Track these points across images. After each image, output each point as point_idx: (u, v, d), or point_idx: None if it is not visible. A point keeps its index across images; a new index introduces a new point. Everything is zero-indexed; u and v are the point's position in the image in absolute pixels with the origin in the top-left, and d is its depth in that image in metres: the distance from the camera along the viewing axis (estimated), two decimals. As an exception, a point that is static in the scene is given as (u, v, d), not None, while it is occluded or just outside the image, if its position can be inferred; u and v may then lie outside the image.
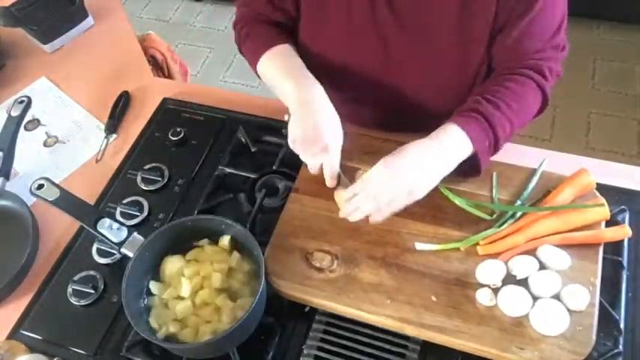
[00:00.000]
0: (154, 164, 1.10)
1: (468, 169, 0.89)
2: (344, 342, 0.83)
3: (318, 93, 0.90)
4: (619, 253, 0.88)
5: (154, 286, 0.87)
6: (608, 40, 2.53)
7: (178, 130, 1.14)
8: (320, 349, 0.83)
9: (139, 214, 1.03)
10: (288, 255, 0.88)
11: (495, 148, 0.88)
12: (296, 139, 0.90)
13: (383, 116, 1.06)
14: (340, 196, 0.89)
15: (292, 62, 0.95)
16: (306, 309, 0.88)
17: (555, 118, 2.28)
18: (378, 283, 0.84)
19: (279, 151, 1.07)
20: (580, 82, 2.39)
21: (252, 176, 1.05)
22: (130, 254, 0.87)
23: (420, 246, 0.87)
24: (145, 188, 1.07)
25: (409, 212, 0.89)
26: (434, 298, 0.82)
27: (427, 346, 0.82)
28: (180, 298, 0.86)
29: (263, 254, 0.84)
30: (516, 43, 0.89)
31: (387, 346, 0.82)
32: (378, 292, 0.83)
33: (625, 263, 0.87)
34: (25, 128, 1.23)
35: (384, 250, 0.87)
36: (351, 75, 1.00)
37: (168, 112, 1.20)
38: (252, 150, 1.10)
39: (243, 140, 1.11)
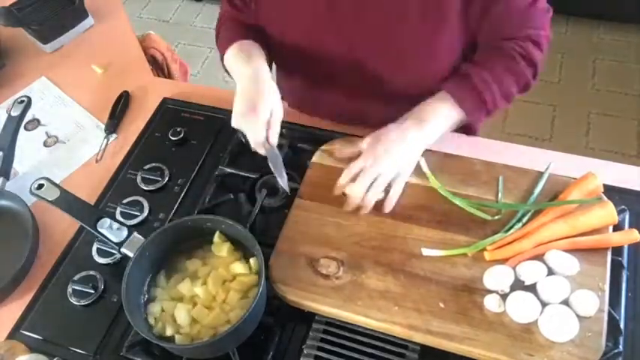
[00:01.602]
0: (153, 164, 1.10)
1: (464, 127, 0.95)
2: (344, 342, 0.83)
3: (256, 70, 0.93)
4: (619, 253, 0.87)
5: (155, 285, 0.87)
6: (608, 40, 2.53)
7: (178, 130, 1.14)
8: (320, 349, 0.83)
9: (139, 214, 1.02)
10: (294, 262, 0.87)
11: (484, 101, 0.92)
12: (237, 114, 0.92)
13: (361, 108, 1.08)
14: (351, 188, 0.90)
15: (247, 49, 0.98)
16: (307, 309, 0.88)
17: (555, 118, 2.28)
18: (385, 289, 0.83)
19: (280, 151, 1.07)
20: (580, 82, 2.39)
21: (252, 176, 1.05)
22: (130, 254, 0.87)
23: (426, 252, 0.86)
24: (145, 188, 1.07)
25: (415, 217, 0.89)
26: (441, 305, 0.81)
27: (427, 347, 0.81)
28: (180, 298, 0.86)
29: (263, 254, 0.84)
30: (497, 19, 0.91)
31: (388, 346, 0.82)
32: (385, 298, 0.82)
33: (625, 263, 0.87)
34: (25, 128, 1.23)
35: (391, 256, 0.87)
36: (321, 65, 1.03)
37: (168, 112, 1.20)
38: (252, 150, 1.10)
39: (243, 140, 1.11)
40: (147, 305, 0.87)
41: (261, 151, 0.93)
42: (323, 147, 1.02)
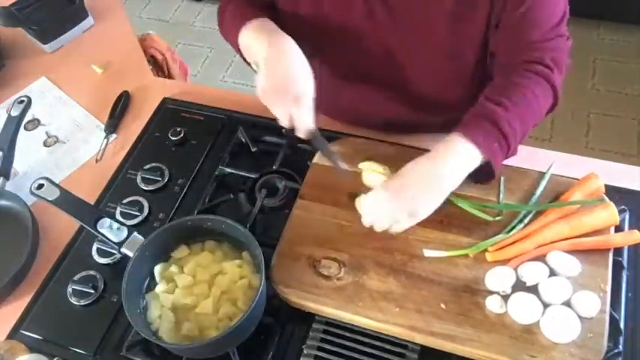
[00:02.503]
0: (154, 164, 1.10)
1: (483, 175, 0.86)
2: (344, 342, 0.83)
3: (288, 45, 0.86)
4: (619, 254, 0.87)
5: (154, 285, 0.87)
6: (608, 40, 2.53)
7: (178, 130, 1.14)
8: (320, 349, 0.83)
9: (139, 214, 1.02)
10: (295, 263, 0.87)
11: (508, 148, 0.84)
12: (266, 90, 0.86)
13: (381, 109, 1.06)
14: (359, 202, 0.87)
15: (269, 25, 0.90)
16: (308, 310, 0.88)
17: (555, 118, 2.28)
18: (387, 290, 0.83)
19: (279, 151, 1.07)
20: (580, 82, 2.38)
21: (252, 176, 1.05)
22: (130, 254, 0.87)
23: (428, 253, 0.86)
24: (145, 188, 1.07)
25: None
26: (443, 306, 0.81)
27: (427, 347, 0.81)
28: (181, 298, 0.86)
29: (263, 254, 0.84)
30: (516, 32, 0.87)
31: (388, 346, 0.82)
32: (387, 300, 0.82)
33: (625, 263, 0.87)
34: (25, 128, 1.23)
35: (392, 257, 0.86)
36: (353, 66, 1.01)
37: (168, 112, 1.20)
38: (252, 150, 1.10)
39: (243, 140, 1.11)
40: (147, 305, 0.87)
41: (307, 135, 0.89)
42: None
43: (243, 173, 1.06)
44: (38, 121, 1.25)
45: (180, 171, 1.09)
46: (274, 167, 1.06)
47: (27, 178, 0.97)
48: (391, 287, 0.83)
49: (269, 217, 1.01)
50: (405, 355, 0.81)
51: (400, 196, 0.82)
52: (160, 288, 0.87)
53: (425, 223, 0.88)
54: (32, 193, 0.91)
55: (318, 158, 1.00)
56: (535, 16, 0.86)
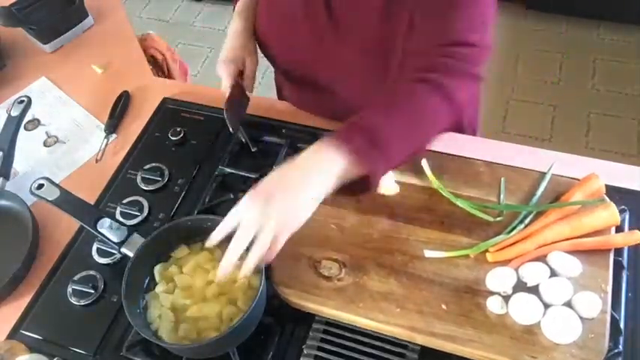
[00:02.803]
0: (153, 164, 1.10)
1: (360, 185, 0.77)
2: (344, 342, 0.83)
3: (237, 25, 1.07)
4: (619, 254, 0.87)
5: (154, 285, 0.87)
6: (608, 40, 2.53)
7: (178, 130, 1.14)
8: (320, 349, 0.83)
9: (139, 214, 1.02)
10: (296, 264, 0.87)
11: (380, 149, 0.75)
12: (219, 60, 1.04)
13: (319, 107, 1.12)
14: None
15: (243, 7, 1.08)
16: (308, 311, 0.88)
17: (555, 118, 2.28)
18: (388, 291, 0.83)
19: (279, 151, 1.07)
20: (580, 82, 2.39)
21: (252, 176, 1.05)
22: (130, 254, 0.87)
23: (428, 253, 0.86)
24: (145, 188, 1.07)
25: (416, 219, 0.89)
26: (444, 307, 0.81)
27: (427, 347, 0.81)
28: (180, 298, 0.86)
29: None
30: (418, 35, 0.84)
31: (388, 346, 0.82)
32: (388, 300, 0.82)
33: (625, 263, 0.87)
34: (25, 128, 1.23)
35: (393, 257, 0.86)
36: (288, 58, 1.08)
37: (168, 112, 1.20)
38: (252, 150, 1.10)
39: (243, 140, 1.11)
40: (147, 305, 0.87)
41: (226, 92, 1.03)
42: None
43: (243, 173, 1.06)
44: (38, 121, 1.25)
45: (180, 171, 1.09)
46: (274, 167, 1.06)
47: (27, 178, 0.97)
48: (392, 288, 0.83)
49: (269, 217, 1.00)
50: (405, 355, 0.81)
51: (263, 201, 0.73)
52: (159, 288, 0.87)
53: (425, 224, 0.89)
54: (32, 193, 0.91)
55: None
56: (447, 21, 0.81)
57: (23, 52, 1.40)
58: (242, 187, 1.05)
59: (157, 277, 0.88)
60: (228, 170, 1.07)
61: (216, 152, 1.11)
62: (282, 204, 0.73)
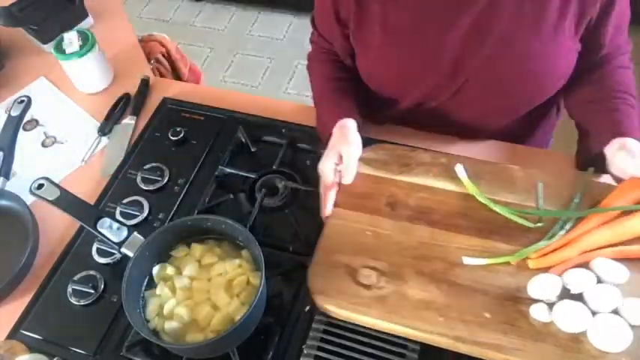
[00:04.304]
0: (153, 164, 1.10)
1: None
2: (344, 342, 0.83)
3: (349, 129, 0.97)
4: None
5: (154, 285, 0.87)
6: (608, 40, 2.53)
7: (178, 130, 1.14)
8: (320, 349, 0.83)
9: (138, 214, 1.02)
10: (333, 272, 0.85)
11: None
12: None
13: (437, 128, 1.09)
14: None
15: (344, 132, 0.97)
16: (306, 309, 0.88)
17: (555, 118, 2.28)
18: (429, 300, 0.80)
19: (279, 151, 1.07)
20: (580, 82, 2.38)
21: (252, 176, 1.05)
22: (130, 254, 0.87)
23: (467, 260, 0.83)
24: (145, 188, 1.07)
25: (454, 225, 0.87)
26: (487, 315, 0.78)
27: (427, 347, 0.81)
28: (180, 297, 0.86)
29: (263, 254, 0.84)
30: (603, 37, 0.92)
31: (387, 346, 0.82)
32: (430, 309, 0.79)
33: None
34: (24, 128, 1.23)
35: (432, 265, 0.84)
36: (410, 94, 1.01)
37: (168, 112, 1.20)
38: (252, 150, 1.10)
39: (243, 140, 1.11)
40: (146, 305, 0.87)
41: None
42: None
43: (243, 173, 1.06)
44: (37, 121, 1.25)
45: (180, 171, 1.09)
46: (274, 167, 1.06)
47: (27, 178, 0.97)
48: (433, 296, 0.81)
49: (269, 217, 1.01)
50: (405, 355, 0.81)
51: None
52: (159, 288, 0.87)
53: (462, 230, 0.86)
54: (32, 193, 0.91)
55: None
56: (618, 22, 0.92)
57: (23, 52, 1.40)
58: (242, 187, 1.05)
59: (157, 278, 0.88)
60: (228, 170, 1.07)
61: (216, 152, 1.11)
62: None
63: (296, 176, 1.04)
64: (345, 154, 0.92)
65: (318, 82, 1.08)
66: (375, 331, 0.83)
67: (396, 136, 1.07)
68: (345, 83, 1.04)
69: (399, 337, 0.82)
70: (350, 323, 0.84)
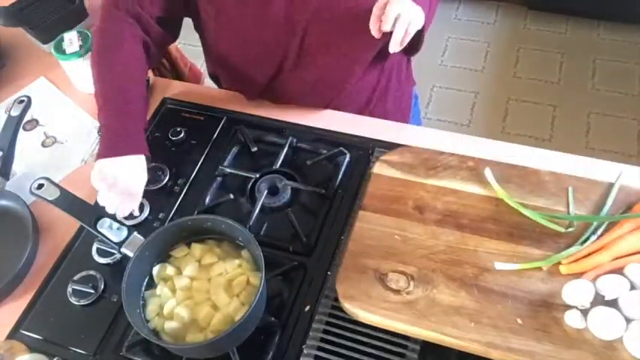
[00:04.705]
0: (153, 164, 1.09)
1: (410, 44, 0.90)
2: (344, 342, 0.83)
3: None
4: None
5: (154, 285, 0.87)
6: (608, 40, 2.53)
7: (178, 130, 1.14)
8: (320, 349, 0.83)
9: (139, 214, 1.02)
10: (361, 276, 0.83)
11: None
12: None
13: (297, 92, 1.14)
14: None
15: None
16: (306, 309, 0.88)
17: (555, 118, 2.28)
18: (460, 305, 0.80)
19: (279, 151, 1.07)
20: (580, 82, 2.39)
21: (253, 176, 1.05)
22: (130, 254, 0.87)
23: (499, 265, 0.82)
24: (145, 188, 1.06)
25: (484, 230, 0.87)
26: (520, 321, 0.78)
27: (427, 346, 0.81)
28: (180, 297, 0.86)
29: (264, 254, 0.84)
30: None
31: (387, 346, 0.82)
32: (460, 314, 0.79)
33: None
34: (24, 128, 1.22)
35: (462, 270, 0.83)
36: (264, 64, 1.08)
37: (168, 112, 1.20)
38: (252, 150, 1.10)
39: (243, 140, 1.11)
40: (146, 305, 0.87)
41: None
42: (382, 157, 0.98)
43: (243, 173, 1.06)
44: (36, 121, 1.25)
45: (180, 171, 1.09)
46: (274, 167, 1.06)
47: (27, 178, 0.97)
48: (464, 301, 0.80)
49: (269, 217, 1.01)
50: (405, 355, 0.81)
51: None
52: (159, 288, 0.87)
53: (492, 235, 0.86)
54: (32, 193, 0.91)
55: (377, 169, 0.96)
56: None
57: (23, 52, 1.40)
58: (242, 187, 1.05)
59: (156, 278, 0.88)
60: (228, 170, 1.07)
61: (216, 152, 1.11)
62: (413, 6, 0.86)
63: (296, 176, 1.04)
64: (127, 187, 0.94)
65: (119, 79, 1.01)
66: (375, 330, 0.83)
67: (263, 111, 1.15)
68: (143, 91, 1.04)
69: (399, 337, 0.82)
70: (350, 323, 0.84)
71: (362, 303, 0.81)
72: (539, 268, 0.82)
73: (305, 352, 0.84)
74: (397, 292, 0.82)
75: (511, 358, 0.76)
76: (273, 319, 0.87)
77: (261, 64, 1.08)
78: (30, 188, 0.91)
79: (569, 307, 0.78)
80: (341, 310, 0.85)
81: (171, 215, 1.03)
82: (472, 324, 0.78)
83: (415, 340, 0.82)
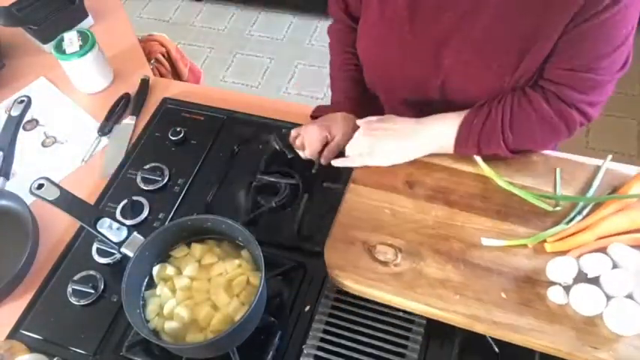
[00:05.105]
0: (153, 164, 1.10)
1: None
2: (344, 342, 0.83)
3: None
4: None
5: (154, 285, 0.87)
6: (608, 40, 2.53)
7: (178, 130, 1.14)
8: (320, 348, 0.83)
9: (139, 214, 1.02)
10: (350, 247, 0.85)
11: (477, 151, 0.90)
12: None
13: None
14: None
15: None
16: (306, 309, 0.88)
17: (555, 118, 2.28)
18: (445, 278, 0.81)
19: (279, 150, 1.07)
20: (580, 82, 2.39)
21: (253, 176, 1.05)
22: (130, 254, 0.87)
23: (486, 241, 0.84)
24: (145, 188, 1.07)
25: (472, 206, 0.88)
26: (503, 295, 0.79)
27: (427, 346, 0.81)
28: (180, 297, 0.86)
29: (263, 254, 0.84)
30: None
31: (387, 346, 0.82)
32: (446, 287, 0.80)
33: None
34: (24, 128, 1.23)
35: (449, 244, 0.85)
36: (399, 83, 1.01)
37: (169, 112, 1.20)
38: (253, 150, 1.10)
39: (243, 140, 1.11)
40: (146, 305, 0.87)
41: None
42: None
43: (243, 173, 1.06)
44: (37, 121, 1.25)
45: (180, 171, 1.09)
46: (274, 167, 1.06)
47: (27, 178, 0.97)
48: (450, 275, 0.82)
49: (269, 217, 1.01)
50: (405, 355, 0.82)
51: (372, 133, 0.93)
52: (159, 288, 0.87)
53: (480, 211, 0.88)
54: (32, 193, 0.91)
55: None
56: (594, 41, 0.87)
57: (23, 52, 1.40)
58: (242, 186, 1.05)
59: (156, 278, 0.88)
60: (228, 170, 1.07)
61: (216, 152, 1.11)
62: (383, 142, 0.93)
63: (296, 176, 1.04)
64: (337, 135, 1.00)
65: (336, 63, 1.11)
66: (375, 330, 0.83)
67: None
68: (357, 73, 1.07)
69: (399, 337, 0.82)
70: (350, 323, 0.84)
71: (350, 273, 0.83)
72: (525, 246, 0.84)
73: (305, 352, 0.84)
74: (385, 263, 0.83)
75: (494, 331, 0.78)
76: (273, 319, 0.87)
77: (397, 82, 1.02)
78: (30, 188, 0.91)
79: (552, 283, 0.80)
80: (341, 310, 0.85)
81: (171, 215, 1.03)
82: (457, 296, 0.80)
83: (415, 340, 0.82)
